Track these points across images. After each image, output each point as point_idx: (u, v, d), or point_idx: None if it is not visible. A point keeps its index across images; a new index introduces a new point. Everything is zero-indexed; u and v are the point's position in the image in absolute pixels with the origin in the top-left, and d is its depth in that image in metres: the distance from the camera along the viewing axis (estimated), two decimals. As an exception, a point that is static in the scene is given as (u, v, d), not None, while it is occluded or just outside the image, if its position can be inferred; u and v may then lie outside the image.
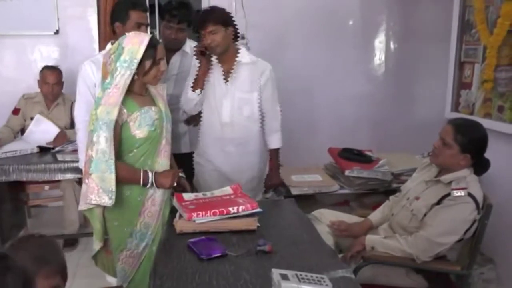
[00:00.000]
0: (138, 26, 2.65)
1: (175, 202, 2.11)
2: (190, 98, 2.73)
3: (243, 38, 4.53)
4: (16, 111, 3.72)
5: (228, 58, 2.70)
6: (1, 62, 4.35)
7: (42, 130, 3.58)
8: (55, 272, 1.40)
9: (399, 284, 2.36)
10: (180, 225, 1.94)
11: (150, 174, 2.15)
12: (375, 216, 2.59)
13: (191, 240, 1.84)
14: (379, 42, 4.81)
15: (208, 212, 1.93)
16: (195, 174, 2.89)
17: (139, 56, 2.08)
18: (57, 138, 3.49)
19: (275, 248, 1.81)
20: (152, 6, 5.07)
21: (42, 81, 3.74)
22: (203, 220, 1.92)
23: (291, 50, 4.60)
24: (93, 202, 2.08)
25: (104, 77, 2.14)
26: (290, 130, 4.60)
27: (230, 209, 1.96)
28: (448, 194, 2.24)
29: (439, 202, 2.26)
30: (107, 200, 2.06)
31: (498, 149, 3.04)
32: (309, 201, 2.90)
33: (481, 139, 2.32)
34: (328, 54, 4.65)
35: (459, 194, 2.22)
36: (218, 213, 1.94)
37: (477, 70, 3.32)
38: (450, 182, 2.27)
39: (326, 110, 4.68)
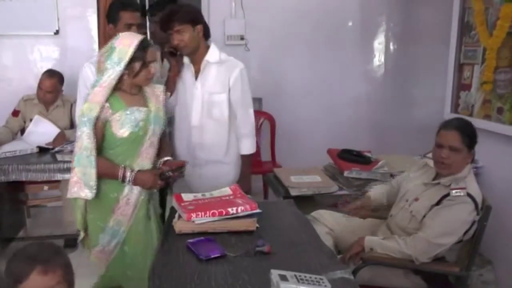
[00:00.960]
0: (129, 27, 2.62)
1: (174, 203, 2.11)
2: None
3: (242, 39, 4.55)
4: (15, 113, 3.71)
5: (199, 57, 2.60)
6: (1, 62, 4.35)
7: (41, 131, 3.58)
8: (53, 271, 1.41)
9: (398, 285, 2.36)
10: (179, 225, 1.94)
11: (128, 172, 2.15)
12: (375, 191, 2.64)
13: (190, 240, 1.84)
14: (379, 43, 4.82)
15: (207, 212, 1.93)
16: None
17: (128, 57, 2.09)
18: (57, 139, 3.49)
19: (274, 249, 1.81)
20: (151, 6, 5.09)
21: (38, 85, 3.73)
22: (202, 220, 1.92)
23: (290, 51, 4.61)
24: (74, 194, 2.14)
25: (98, 74, 2.18)
26: (289, 131, 4.64)
27: (229, 210, 1.96)
28: (448, 194, 2.24)
29: (438, 203, 2.27)
30: (88, 193, 2.12)
31: (497, 151, 3.05)
32: (308, 202, 2.89)
33: (475, 131, 2.33)
34: (327, 55, 4.66)
35: (458, 194, 2.22)
36: (217, 214, 1.94)
37: (476, 71, 3.32)
38: (450, 183, 2.27)
39: (326, 111, 4.69)
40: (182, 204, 2.02)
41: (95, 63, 2.63)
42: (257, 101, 4.71)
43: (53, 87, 3.69)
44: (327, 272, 1.64)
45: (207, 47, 2.61)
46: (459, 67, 3.55)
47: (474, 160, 2.44)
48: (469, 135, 2.28)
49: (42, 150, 3.42)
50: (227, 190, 2.20)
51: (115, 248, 2.24)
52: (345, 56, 4.70)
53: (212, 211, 1.94)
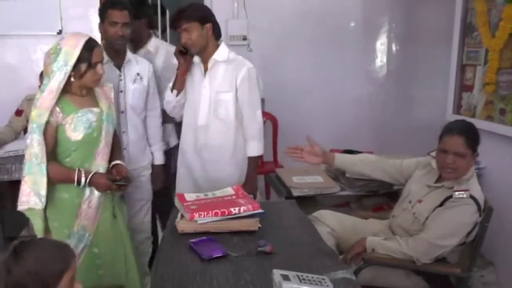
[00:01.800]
0: (114, 25, 2.59)
1: (176, 203, 2.11)
2: (167, 99, 2.67)
3: (244, 39, 4.55)
4: (19, 113, 3.72)
5: (207, 56, 2.60)
6: (3, 62, 4.36)
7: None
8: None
9: (399, 285, 2.37)
10: (182, 225, 1.94)
11: (83, 175, 2.12)
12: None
13: (192, 240, 1.85)
14: (381, 44, 4.81)
15: (210, 212, 1.93)
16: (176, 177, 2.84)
17: (74, 59, 2.05)
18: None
19: (276, 249, 1.81)
20: (155, 6, 5.09)
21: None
22: (204, 220, 1.92)
23: (293, 51, 4.60)
24: (24, 205, 2.12)
25: (45, 78, 2.12)
26: (291, 132, 4.63)
27: (232, 209, 1.96)
28: (450, 196, 2.24)
29: (441, 205, 2.27)
30: (37, 203, 2.09)
31: (500, 152, 3.05)
32: (309, 202, 2.90)
33: (478, 132, 2.33)
34: (329, 56, 4.65)
35: (461, 195, 2.22)
36: (219, 214, 1.94)
37: (479, 72, 3.32)
38: (453, 186, 2.28)
39: (328, 112, 4.68)
40: (185, 204, 2.02)
41: None
42: (259, 101, 4.72)
43: None
44: (328, 272, 1.64)
45: (217, 46, 2.61)
46: (462, 68, 3.54)
47: (476, 161, 2.43)
48: (473, 138, 2.28)
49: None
50: (229, 190, 2.21)
51: (82, 251, 2.21)
52: (347, 56, 4.69)
53: (214, 211, 1.94)
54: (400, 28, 4.74)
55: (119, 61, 2.69)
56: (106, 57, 2.57)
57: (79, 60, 2.07)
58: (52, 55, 2.08)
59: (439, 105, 3.92)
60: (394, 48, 4.81)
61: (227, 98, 2.61)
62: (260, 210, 2.00)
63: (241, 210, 1.97)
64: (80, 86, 2.14)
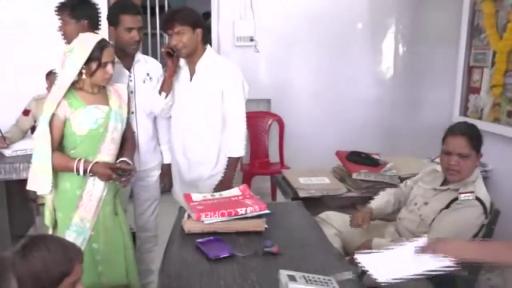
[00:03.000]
0: (129, 31, 2.59)
1: (183, 203, 2.12)
2: (156, 101, 2.65)
3: (251, 40, 4.57)
4: (26, 112, 3.74)
5: (195, 60, 2.62)
6: (11, 62, 4.39)
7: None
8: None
9: (405, 287, 2.36)
10: (189, 225, 1.95)
11: (82, 163, 2.18)
12: (375, 203, 2.58)
13: (199, 240, 1.85)
14: (388, 45, 4.82)
15: (217, 212, 1.94)
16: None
17: (84, 57, 2.16)
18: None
19: (282, 249, 1.82)
20: (160, 7, 5.12)
21: (50, 86, 3.76)
22: (211, 220, 1.93)
23: (299, 53, 4.62)
24: (32, 188, 2.22)
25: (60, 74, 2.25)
26: (297, 133, 4.64)
27: (238, 210, 1.96)
28: (456, 198, 2.24)
29: (447, 207, 2.27)
30: (44, 188, 2.20)
31: (506, 154, 3.05)
32: (315, 203, 2.90)
33: (480, 133, 2.33)
34: (336, 57, 4.66)
35: (466, 197, 2.22)
36: (226, 214, 1.95)
37: (486, 74, 3.31)
38: (458, 188, 2.27)
39: (334, 113, 4.69)
40: (192, 204, 2.03)
41: None
42: (265, 102, 4.74)
43: None
44: (335, 274, 1.64)
45: (204, 50, 2.63)
46: (469, 70, 3.55)
47: (482, 163, 2.43)
48: (476, 139, 2.28)
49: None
50: (236, 191, 2.21)
51: (81, 245, 2.21)
52: (354, 58, 4.70)
53: (221, 211, 1.95)
54: (407, 30, 4.74)
55: (128, 62, 2.70)
56: (115, 59, 2.55)
57: (90, 59, 2.17)
58: (67, 53, 2.20)
59: (445, 107, 3.92)
60: (401, 50, 4.82)
61: (214, 101, 2.62)
62: (267, 211, 2.01)
63: (248, 211, 1.98)
64: (91, 83, 2.24)
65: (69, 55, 2.18)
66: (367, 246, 2.33)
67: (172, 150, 2.81)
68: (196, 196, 2.13)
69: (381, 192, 2.66)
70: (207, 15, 7.38)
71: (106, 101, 2.30)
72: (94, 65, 2.18)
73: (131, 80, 2.69)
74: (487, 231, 2.26)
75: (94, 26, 2.62)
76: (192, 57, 2.61)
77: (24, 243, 1.32)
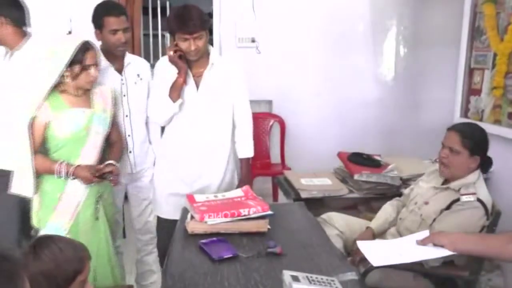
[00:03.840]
0: (114, 33, 2.53)
1: (186, 204, 2.13)
2: (168, 109, 2.49)
3: (253, 41, 4.58)
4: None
5: (202, 62, 2.50)
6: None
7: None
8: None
9: (407, 288, 2.38)
10: (192, 226, 1.96)
11: (64, 166, 2.18)
12: (375, 223, 2.58)
13: (203, 241, 1.87)
14: (389, 47, 4.82)
15: (220, 213, 1.95)
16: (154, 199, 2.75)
17: (66, 60, 2.13)
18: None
19: (285, 250, 1.83)
20: (162, 8, 5.13)
21: None
22: (214, 221, 1.94)
23: (301, 54, 4.62)
24: (16, 191, 2.21)
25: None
26: (299, 134, 4.65)
27: (241, 211, 1.97)
28: (458, 200, 2.25)
29: (448, 207, 2.28)
30: (27, 191, 2.20)
31: (508, 156, 3.06)
32: (317, 204, 2.91)
33: (485, 138, 2.35)
34: (337, 58, 4.67)
35: (468, 199, 2.23)
36: (229, 215, 1.96)
37: (487, 76, 3.33)
38: (459, 188, 2.28)
39: (335, 114, 4.70)
40: (195, 205, 2.04)
41: None
42: (267, 103, 4.75)
43: None
44: (337, 274, 1.65)
45: (208, 51, 2.54)
46: (470, 72, 3.56)
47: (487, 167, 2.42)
48: (472, 140, 2.29)
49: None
50: (239, 192, 2.23)
51: None
52: (355, 59, 4.70)
53: (224, 212, 1.96)
54: (408, 31, 4.75)
55: (119, 65, 2.64)
56: (106, 62, 2.56)
57: (73, 62, 2.14)
58: (49, 53, 2.17)
59: (446, 109, 3.93)
60: (402, 51, 4.82)
61: (225, 109, 2.56)
62: (270, 212, 2.02)
63: (251, 212, 1.99)
64: (74, 86, 2.22)
65: (50, 58, 2.15)
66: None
67: (166, 163, 2.65)
68: (199, 197, 2.15)
69: (384, 205, 2.67)
70: (209, 16, 7.42)
71: (89, 104, 2.29)
72: (77, 68, 2.16)
73: (123, 84, 2.65)
74: (488, 232, 2.27)
75: (16, 23, 2.48)
76: (198, 60, 2.49)
77: (33, 244, 1.34)
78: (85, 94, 2.28)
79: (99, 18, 2.55)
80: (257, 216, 2.00)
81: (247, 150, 2.66)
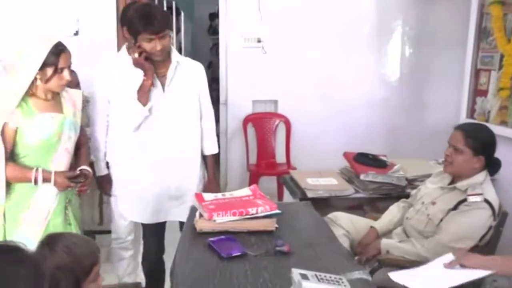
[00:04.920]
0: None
1: (195, 202, 2.14)
2: (139, 114, 2.39)
3: (259, 41, 4.59)
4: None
5: (164, 62, 2.42)
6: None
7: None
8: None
9: (413, 287, 2.38)
10: (201, 224, 1.98)
11: (40, 173, 2.09)
12: (379, 224, 2.60)
13: (211, 239, 1.87)
14: (394, 47, 4.84)
15: (228, 212, 1.96)
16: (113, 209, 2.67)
17: (39, 62, 2.01)
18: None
19: (293, 249, 1.84)
20: (168, 8, 5.14)
21: None
22: (223, 219, 1.95)
23: (306, 54, 4.64)
24: None
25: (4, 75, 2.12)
26: (304, 134, 4.67)
27: (250, 210, 1.98)
28: (464, 200, 2.26)
29: (455, 208, 2.29)
30: None
31: (514, 157, 3.06)
32: (323, 204, 2.92)
33: (491, 139, 2.36)
34: (343, 59, 4.68)
35: (475, 199, 2.24)
36: (237, 214, 1.97)
37: (493, 77, 3.33)
38: (466, 188, 2.29)
39: (341, 115, 4.71)
40: (203, 203, 2.05)
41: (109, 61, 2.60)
42: (273, 103, 4.77)
43: (76, 81, 3.75)
44: (345, 273, 1.65)
45: (169, 52, 2.46)
46: (476, 73, 3.56)
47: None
48: (476, 139, 2.30)
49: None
50: (247, 191, 2.23)
51: None
52: (360, 59, 4.72)
53: (232, 211, 1.97)
54: (414, 31, 4.76)
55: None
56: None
57: (45, 64, 2.03)
58: (18, 55, 2.04)
59: (452, 109, 3.94)
60: (407, 51, 4.83)
61: (193, 106, 2.51)
62: (277, 211, 2.03)
63: (259, 211, 2.00)
64: (45, 89, 2.11)
65: (22, 58, 2.02)
66: (375, 247, 2.36)
67: (133, 170, 2.53)
68: (207, 196, 2.15)
69: (391, 207, 2.68)
70: (213, 15, 7.44)
71: (60, 109, 2.18)
72: (49, 71, 2.04)
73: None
74: (495, 233, 2.28)
75: None
76: (164, 61, 2.41)
77: (45, 242, 1.35)
78: (54, 98, 2.17)
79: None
80: (264, 215, 2.01)
81: (212, 146, 2.63)
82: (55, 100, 2.17)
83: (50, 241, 1.35)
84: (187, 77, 2.49)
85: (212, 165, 2.66)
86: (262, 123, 4.71)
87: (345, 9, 4.63)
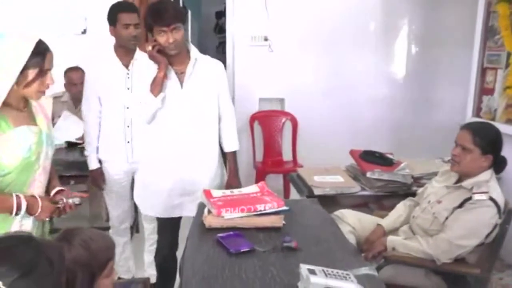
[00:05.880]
0: (127, 27, 2.78)
1: (203, 198, 2.17)
2: (151, 105, 2.43)
3: (266, 40, 4.61)
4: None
5: (182, 59, 2.48)
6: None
7: (70, 126, 3.67)
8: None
9: (418, 284, 2.40)
10: (209, 220, 2.00)
11: (23, 199, 1.74)
12: (386, 221, 2.61)
13: (220, 235, 1.90)
14: (401, 45, 4.84)
15: (236, 208, 1.99)
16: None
17: (22, 63, 1.68)
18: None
19: (300, 245, 1.86)
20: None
21: (69, 83, 3.85)
22: (231, 216, 1.98)
23: (313, 52, 4.66)
24: None
25: None
26: (310, 131, 4.68)
27: (258, 206, 2.01)
28: (470, 198, 2.27)
29: (460, 206, 2.30)
30: None
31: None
32: (329, 201, 2.93)
33: (498, 137, 2.37)
34: (349, 57, 4.69)
35: (480, 198, 2.25)
36: (246, 210, 1.99)
37: (500, 76, 3.33)
38: (472, 187, 2.31)
39: (347, 113, 4.72)
40: (212, 199, 2.08)
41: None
42: (279, 101, 4.79)
43: (83, 78, 3.79)
44: (352, 269, 1.67)
45: (187, 48, 2.52)
46: (482, 71, 3.56)
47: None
48: (484, 138, 2.31)
49: (71, 145, 3.53)
50: (254, 188, 2.26)
51: None
52: (366, 58, 4.73)
53: (241, 207, 1.99)
54: (420, 30, 4.76)
55: (127, 60, 2.87)
56: (116, 57, 2.83)
57: (27, 66, 1.70)
58: None
59: (458, 108, 3.94)
60: (413, 50, 4.84)
61: (212, 100, 2.55)
62: (285, 207, 2.05)
63: (267, 207, 2.02)
64: (19, 97, 1.77)
65: None
66: (382, 244, 2.38)
67: (150, 165, 2.61)
68: (216, 192, 2.18)
69: (398, 205, 2.70)
70: (220, 14, 7.46)
71: (33, 120, 1.84)
72: (32, 73, 1.71)
73: (128, 77, 2.85)
74: (501, 231, 2.29)
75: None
76: (179, 56, 2.46)
77: (62, 236, 1.37)
78: (26, 107, 1.83)
79: (113, 14, 2.80)
80: (272, 211, 2.03)
81: (232, 143, 2.68)
82: (27, 109, 1.84)
83: (67, 236, 1.37)
84: (206, 74, 2.52)
85: (233, 162, 2.71)
86: (269, 121, 4.73)
87: (352, 8, 4.64)
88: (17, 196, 1.74)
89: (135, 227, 3.80)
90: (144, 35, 3.65)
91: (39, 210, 1.79)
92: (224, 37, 5.01)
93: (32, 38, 1.72)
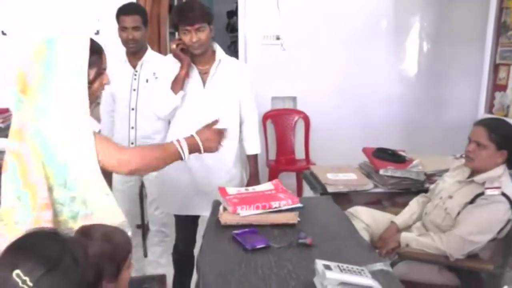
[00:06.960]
0: (123, 30, 2.82)
1: (218, 196, 2.20)
2: (170, 101, 2.47)
3: (278, 39, 4.64)
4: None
5: (206, 58, 2.50)
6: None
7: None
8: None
9: (432, 280, 2.42)
10: (225, 217, 2.04)
11: (182, 141, 1.92)
12: (399, 219, 2.63)
13: (236, 231, 1.94)
14: (412, 43, 4.84)
15: (252, 205, 2.02)
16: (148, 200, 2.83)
17: (86, 62, 1.61)
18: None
19: (315, 242, 1.88)
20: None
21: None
22: (246, 213, 2.01)
23: (324, 50, 4.67)
24: None
25: (22, 92, 1.59)
26: (323, 130, 4.70)
27: (272, 203, 2.04)
28: (482, 193, 2.28)
29: (472, 201, 2.31)
30: None
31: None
32: (342, 199, 2.95)
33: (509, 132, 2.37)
34: (361, 55, 4.70)
35: (492, 193, 2.26)
36: (261, 207, 2.02)
37: (512, 72, 3.33)
38: (484, 182, 2.31)
39: (359, 111, 4.74)
40: (227, 197, 2.11)
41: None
42: (292, 100, 4.81)
43: None
44: (366, 265, 1.68)
45: (213, 49, 2.55)
46: (495, 68, 3.56)
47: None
48: (499, 134, 2.31)
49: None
50: (269, 185, 2.29)
51: None
52: (379, 55, 4.74)
53: (256, 204, 2.02)
54: (432, 27, 4.75)
55: (135, 61, 2.89)
56: (125, 58, 2.87)
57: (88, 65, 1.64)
58: (37, 63, 1.59)
59: (470, 105, 3.94)
60: (425, 47, 4.83)
61: (234, 101, 2.57)
62: (300, 204, 2.08)
63: (281, 204, 2.05)
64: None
65: (49, 65, 1.58)
66: (395, 240, 2.40)
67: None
68: (231, 190, 2.21)
69: (411, 201, 2.71)
70: (232, 13, 7.49)
71: None
72: (92, 73, 1.65)
73: (135, 79, 2.87)
74: (513, 226, 2.30)
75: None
76: (204, 55, 2.50)
77: (82, 231, 1.41)
78: None
79: (116, 17, 2.87)
80: (287, 208, 2.06)
81: (254, 146, 2.69)
82: None
83: (85, 232, 1.40)
84: (228, 75, 2.54)
85: (253, 165, 2.71)
86: (281, 120, 4.76)
87: (364, 6, 4.65)
88: (177, 140, 1.88)
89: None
90: (157, 36, 3.69)
91: (202, 144, 1.94)
92: (236, 36, 5.04)
93: (83, 37, 1.66)
